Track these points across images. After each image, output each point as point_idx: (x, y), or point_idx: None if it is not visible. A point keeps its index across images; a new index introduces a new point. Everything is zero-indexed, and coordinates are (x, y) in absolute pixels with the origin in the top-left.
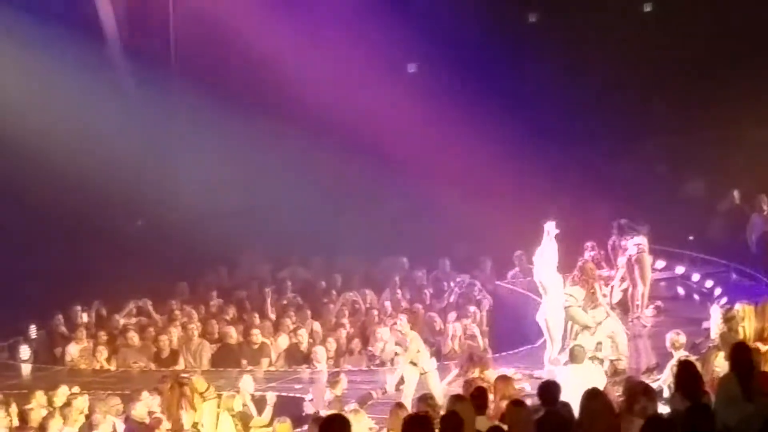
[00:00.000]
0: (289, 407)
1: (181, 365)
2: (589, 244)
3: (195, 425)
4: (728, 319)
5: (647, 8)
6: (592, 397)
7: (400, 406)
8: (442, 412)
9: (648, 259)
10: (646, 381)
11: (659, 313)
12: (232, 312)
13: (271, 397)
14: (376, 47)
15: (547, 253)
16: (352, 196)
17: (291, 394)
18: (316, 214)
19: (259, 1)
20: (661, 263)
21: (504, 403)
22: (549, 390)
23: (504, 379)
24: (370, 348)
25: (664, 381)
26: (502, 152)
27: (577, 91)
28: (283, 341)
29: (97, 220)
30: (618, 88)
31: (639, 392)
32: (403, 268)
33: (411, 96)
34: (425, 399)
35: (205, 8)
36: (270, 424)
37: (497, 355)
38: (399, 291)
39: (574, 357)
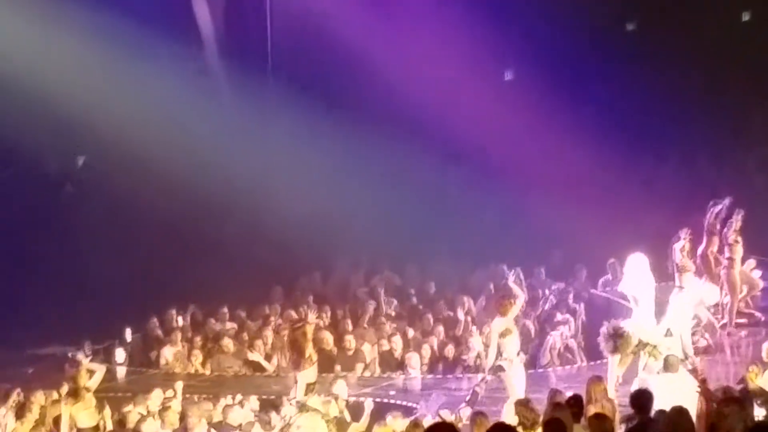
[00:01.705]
0: (383, 413)
1: (271, 370)
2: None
3: None
4: None
5: (746, 17)
6: (679, 414)
7: (480, 413)
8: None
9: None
10: None
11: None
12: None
13: (369, 404)
14: (474, 53)
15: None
16: (448, 203)
17: (386, 400)
18: (411, 220)
19: (359, 5)
20: (757, 273)
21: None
22: (641, 398)
23: (597, 380)
24: (464, 356)
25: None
26: (598, 160)
27: (674, 99)
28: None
29: (193, 223)
30: (715, 97)
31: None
32: (500, 275)
33: (508, 103)
34: (525, 403)
35: (303, 10)
36: (367, 431)
37: (591, 363)
38: (491, 297)
39: (668, 366)
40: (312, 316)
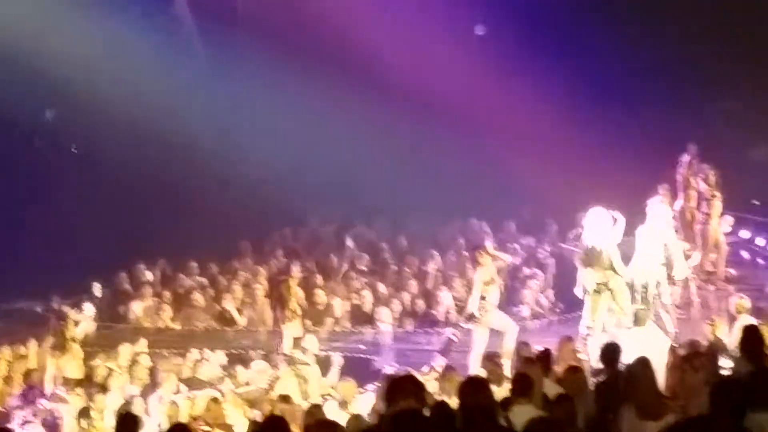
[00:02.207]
0: (353, 368)
1: (243, 324)
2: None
3: None
4: None
5: None
6: (641, 365)
7: (450, 368)
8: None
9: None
10: None
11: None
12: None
13: (337, 359)
14: (446, 6)
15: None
16: (419, 157)
17: (356, 355)
18: (382, 175)
19: None
20: (726, 228)
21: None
22: (610, 353)
23: (567, 340)
24: (433, 311)
25: (729, 345)
26: (567, 115)
27: (643, 54)
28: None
29: (163, 177)
30: (685, 53)
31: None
32: (472, 230)
33: (479, 58)
34: (491, 358)
35: None
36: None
37: (563, 316)
38: (464, 253)
39: (638, 320)
40: (296, 270)
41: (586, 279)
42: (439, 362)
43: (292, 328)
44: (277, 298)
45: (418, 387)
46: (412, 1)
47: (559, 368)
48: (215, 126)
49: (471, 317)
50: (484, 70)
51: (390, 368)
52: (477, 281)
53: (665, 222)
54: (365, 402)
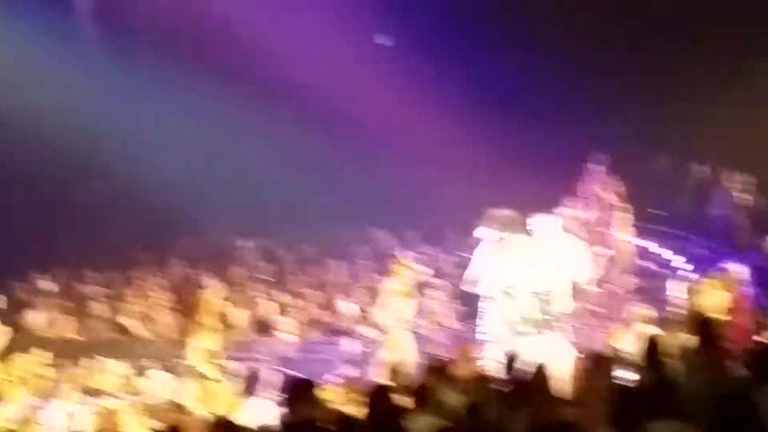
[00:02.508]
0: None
1: (144, 335)
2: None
3: None
4: (692, 292)
5: None
6: (539, 371)
7: (354, 379)
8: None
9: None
10: None
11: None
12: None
13: (240, 370)
14: (351, 17)
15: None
16: (321, 166)
17: (259, 365)
18: (284, 184)
19: None
20: (631, 238)
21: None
22: (509, 360)
23: (465, 348)
24: (335, 320)
25: (630, 354)
26: (471, 124)
27: (546, 63)
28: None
29: (61, 184)
30: (586, 60)
31: (602, 364)
32: (371, 239)
33: (383, 68)
34: (395, 368)
35: None
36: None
37: (467, 325)
38: (365, 262)
39: (539, 327)
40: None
41: (487, 286)
42: (344, 372)
43: (196, 339)
44: (182, 308)
45: (316, 394)
46: (316, 12)
47: (459, 376)
48: (113, 134)
49: (377, 327)
50: (388, 80)
51: (292, 377)
52: (387, 291)
53: (567, 231)
54: (257, 410)
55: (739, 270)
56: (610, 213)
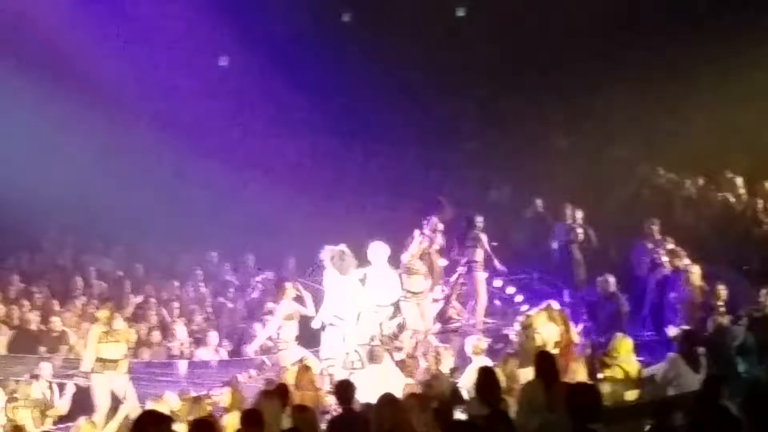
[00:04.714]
0: (84, 396)
1: None
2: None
3: None
4: (525, 326)
5: (460, 12)
6: (387, 403)
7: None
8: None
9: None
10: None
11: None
12: (33, 298)
13: (70, 387)
14: (191, 38)
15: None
16: (157, 186)
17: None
18: (120, 202)
19: None
20: (463, 269)
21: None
22: (344, 389)
23: (305, 371)
24: (169, 343)
25: (463, 386)
26: (313, 150)
27: (387, 92)
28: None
29: None
30: (428, 92)
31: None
32: (209, 261)
33: (223, 89)
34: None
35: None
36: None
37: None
38: (202, 284)
39: (374, 357)
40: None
41: (323, 313)
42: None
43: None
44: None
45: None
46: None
47: (298, 397)
48: None
49: (267, 351)
50: (229, 101)
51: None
52: (279, 314)
53: (402, 264)
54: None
55: (566, 304)
56: (469, 251)
